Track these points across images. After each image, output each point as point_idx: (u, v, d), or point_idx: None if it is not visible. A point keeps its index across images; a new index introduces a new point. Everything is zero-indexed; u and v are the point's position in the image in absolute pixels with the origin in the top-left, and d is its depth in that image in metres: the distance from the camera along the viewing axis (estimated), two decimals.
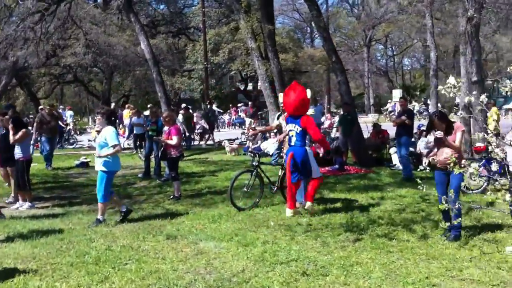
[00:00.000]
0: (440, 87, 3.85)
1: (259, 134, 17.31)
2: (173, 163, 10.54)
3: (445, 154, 6.85)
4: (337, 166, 13.84)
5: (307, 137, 8.78)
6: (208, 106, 25.22)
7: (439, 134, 6.81)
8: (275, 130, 14.94)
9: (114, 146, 8.20)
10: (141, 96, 49.87)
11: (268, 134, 17.99)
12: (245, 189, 9.28)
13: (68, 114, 34.17)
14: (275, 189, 9.64)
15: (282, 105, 10.01)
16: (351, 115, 14.71)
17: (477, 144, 11.07)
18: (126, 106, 27.01)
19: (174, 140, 10.30)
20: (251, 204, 9.27)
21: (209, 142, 22.24)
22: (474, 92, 12.06)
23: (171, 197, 10.48)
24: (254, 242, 6.84)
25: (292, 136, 8.69)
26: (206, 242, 6.93)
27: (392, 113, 39.82)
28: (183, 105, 25.55)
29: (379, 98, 55.23)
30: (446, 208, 6.84)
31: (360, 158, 14.56)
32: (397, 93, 46.27)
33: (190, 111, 23.45)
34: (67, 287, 5.52)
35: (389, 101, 47.38)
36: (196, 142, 23.53)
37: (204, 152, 19.67)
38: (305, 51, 52.39)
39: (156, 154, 12.95)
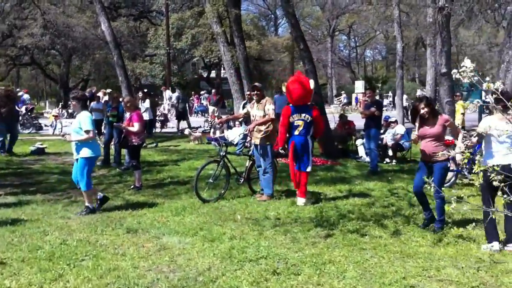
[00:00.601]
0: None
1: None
2: (134, 151, 10.04)
3: (430, 147, 6.61)
4: None
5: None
6: (176, 93, 24.27)
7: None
8: (240, 119, 14.58)
9: (87, 132, 7.79)
10: (100, 80, 48.53)
11: (232, 123, 17.59)
12: (210, 180, 8.89)
13: (26, 97, 32.93)
14: (241, 180, 9.28)
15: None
16: (319, 106, 14.41)
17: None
18: (101, 91, 26.06)
19: (135, 127, 9.81)
20: (216, 196, 8.89)
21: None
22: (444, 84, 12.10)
23: (132, 187, 9.98)
24: (221, 237, 6.46)
25: (299, 125, 8.63)
26: (169, 237, 6.52)
27: (345, 105, 40.03)
28: (145, 90, 24.90)
29: (341, 89, 55.37)
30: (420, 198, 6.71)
31: (327, 149, 14.31)
32: (359, 84, 46.46)
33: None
34: (17, 286, 5.02)
35: (342, 92, 47.60)
36: (158, 130, 22.98)
37: (166, 140, 19.12)
38: (269, 39, 52.03)
39: (116, 141, 12.39)
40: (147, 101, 17.52)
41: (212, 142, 17.44)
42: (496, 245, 5.96)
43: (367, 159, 13.37)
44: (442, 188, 6.75)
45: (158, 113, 24.03)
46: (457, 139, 6.89)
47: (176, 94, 22.30)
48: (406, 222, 7.24)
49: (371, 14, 48.40)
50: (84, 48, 40.51)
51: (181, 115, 21.97)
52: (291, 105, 8.78)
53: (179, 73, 46.51)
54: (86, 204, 8.07)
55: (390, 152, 13.35)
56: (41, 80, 60.33)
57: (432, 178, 6.57)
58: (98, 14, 18.44)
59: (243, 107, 14.24)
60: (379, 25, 51.38)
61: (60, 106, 34.81)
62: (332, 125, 15.87)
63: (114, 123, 11.30)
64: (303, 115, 8.64)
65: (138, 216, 7.73)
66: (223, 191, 8.99)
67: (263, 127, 8.81)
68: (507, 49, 12.94)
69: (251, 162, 9.32)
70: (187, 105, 21.93)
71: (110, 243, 6.33)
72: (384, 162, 13.16)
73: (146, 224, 7.19)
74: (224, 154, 8.94)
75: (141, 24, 48.17)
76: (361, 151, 14.03)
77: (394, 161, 13.23)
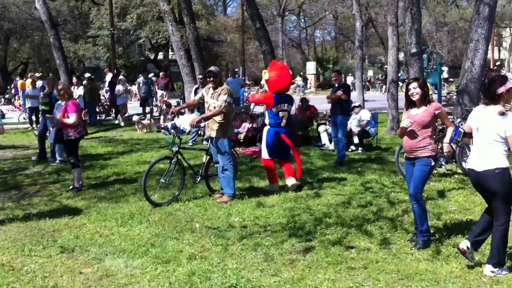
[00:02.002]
0: None
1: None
2: (72, 146, 8.66)
3: (412, 139, 5.52)
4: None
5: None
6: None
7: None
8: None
9: None
10: (41, 63, 45.89)
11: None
12: (162, 180, 7.67)
13: None
14: (198, 178, 8.07)
15: (264, 82, 8.47)
16: None
17: None
18: (29, 75, 24.03)
19: (71, 119, 8.43)
20: (170, 198, 7.70)
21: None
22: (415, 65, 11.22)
23: (70, 187, 8.64)
24: (177, 256, 5.28)
25: (283, 116, 8.30)
26: (113, 258, 5.28)
27: (299, 88, 39.10)
28: (87, 74, 23.16)
29: (292, 70, 54.48)
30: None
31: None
32: (311, 66, 45.81)
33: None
34: None
35: (298, 76, 46.71)
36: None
37: (111, 129, 17.64)
38: (218, 19, 50.49)
39: (51, 135, 10.97)
40: (81, 87, 15.96)
41: (162, 131, 16.13)
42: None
43: (331, 146, 12.42)
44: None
45: (102, 98, 22.35)
46: (448, 130, 5.83)
47: (141, 78, 20.56)
48: (393, 227, 6.25)
49: None
50: (21, 29, 38.07)
51: (145, 101, 20.30)
52: (274, 93, 8.20)
53: (125, 55, 44.53)
54: None
55: (356, 139, 12.41)
56: None
57: (412, 180, 5.58)
58: None
59: (195, 92, 12.99)
60: (329, 5, 51.00)
61: None
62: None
63: (47, 114, 9.81)
64: (286, 105, 8.30)
65: (76, 227, 6.46)
66: (177, 192, 7.79)
67: (218, 118, 7.63)
68: (475, 27, 12.18)
69: (208, 157, 8.14)
70: (151, 88, 20.18)
71: (40, 269, 5.07)
72: (350, 150, 12.21)
73: (85, 240, 5.93)
74: (177, 149, 7.72)
75: (83, 3, 45.60)
76: (324, 138, 13.04)
77: (360, 149, 12.30)
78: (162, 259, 5.20)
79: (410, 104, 5.64)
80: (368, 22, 50.07)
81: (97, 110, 20.67)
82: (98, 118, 19.46)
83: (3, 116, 21.42)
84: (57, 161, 11.09)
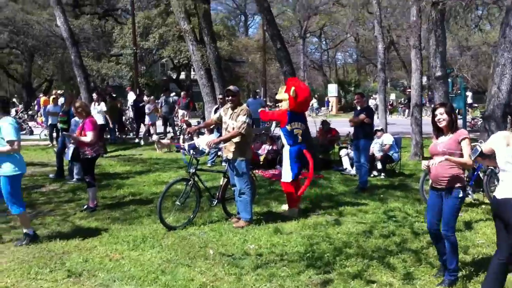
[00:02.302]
0: None
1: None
2: (88, 165, 8.51)
3: (439, 168, 5.16)
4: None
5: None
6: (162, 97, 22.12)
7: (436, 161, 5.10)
8: (212, 126, 13.12)
9: (10, 143, 6.25)
10: (64, 81, 46.38)
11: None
12: (177, 203, 7.43)
13: None
14: (215, 202, 7.82)
15: (285, 100, 8.28)
16: None
17: None
18: (53, 92, 24.05)
19: (88, 137, 8.29)
20: (184, 222, 7.46)
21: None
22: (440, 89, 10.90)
23: (85, 207, 8.47)
24: (188, 285, 5.03)
25: (298, 134, 8.24)
26: (120, 286, 5.05)
27: (318, 110, 38.84)
28: (109, 90, 23.19)
29: (314, 92, 54.32)
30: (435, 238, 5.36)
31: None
32: (332, 88, 45.58)
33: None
34: None
35: (315, 95, 46.42)
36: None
37: (130, 147, 17.53)
38: (239, 40, 50.66)
39: (68, 152, 10.84)
40: (102, 104, 15.82)
41: (181, 151, 15.95)
42: None
43: (353, 171, 12.10)
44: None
45: (124, 118, 22.35)
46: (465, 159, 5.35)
47: (162, 98, 20.57)
48: (416, 261, 5.91)
49: (343, 16, 47.85)
50: (45, 46, 38.50)
51: (166, 120, 20.29)
52: (288, 111, 8.13)
53: (147, 74, 44.81)
54: (25, 231, 6.59)
55: (379, 165, 12.07)
56: (4, 80, 57.58)
57: (443, 215, 5.25)
58: (53, 8, 16.75)
59: (215, 112, 12.80)
60: (350, 27, 50.91)
61: (20, 108, 32.81)
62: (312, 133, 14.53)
63: (64, 132, 9.67)
64: (299, 124, 8.25)
65: (86, 250, 6.24)
66: (192, 216, 7.56)
67: (236, 139, 7.41)
68: (501, 51, 11.80)
69: (225, 180, 7.90)
70: (173, 108, 20.22)
71: None
72: (372, 175, 11.87)
73: (93, 264, 5.70)
74: (194, 171, 7.50)
75: (106, 22, 46.16)
76: (345, 162, 12.73)
77: (382, 174, 11.96)
78: None
79: (438, 131, 5.32)
80: (390, 45, 49.89)
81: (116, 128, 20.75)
82: (124, 136, 19.43)
83: (31, 132, 21.59)
84: (74, 179, 10.96)
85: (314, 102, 41.15)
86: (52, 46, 37.78)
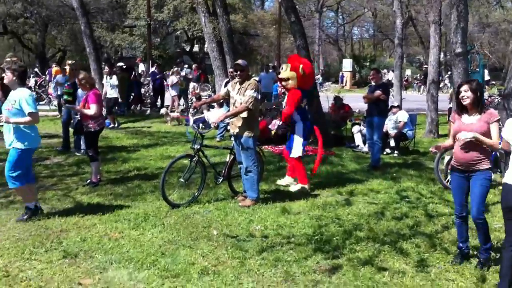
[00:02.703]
0: None
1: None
2: (91, 139, 8.24)
3: (467, 147, 4.85)
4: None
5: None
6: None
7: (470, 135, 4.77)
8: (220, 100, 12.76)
9: (30, 115, 6.05)
10: (78, 51, 46.08)
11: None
12: (181, 180, 7.15)
13: None
14: (220, 179, 7.54)
15: (292, 79, 7.88)
16: (312, 87, 12.69)
17: None
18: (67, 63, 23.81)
19: (92, 109, 8.01)
20: (189, 199, 7.20)
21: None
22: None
23: (87, 182, 8.23)
24: (188, 270, 4.75)
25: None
26: (117, 269, 4.78)
27: (322, 85, 38.00)
28: (120, 63, 22.86)
29: (328, 67, 53.60)
30: (462, 223, 5.06)
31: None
32: (347, 63, 44.92)
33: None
34: None
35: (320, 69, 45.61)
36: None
37: (140, 119, 17.27)
38: (255, 13, 49.90)
39: (73, 125, 10.63)
40: (114, 77, 15.52)
41: (190, 125, 15.66)
42: None
43: (365, 148, 11.75)
44: None
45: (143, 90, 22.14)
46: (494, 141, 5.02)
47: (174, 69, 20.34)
48: (431, 246, 5.59)
49: None
50: (59, 17, 38.18)
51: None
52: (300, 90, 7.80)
53: (161, 46, 44.38)
54: (26, 204, 6.37)
55: (392, 142, 11.69)
56: (19, 50, 57.45)
57: (471, 197, 4.95)
58: None
59: (225, 85, 12.46)
60: (368, 2, 49.90)
61: (42, 78, 32.62)
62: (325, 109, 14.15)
63: (67, 104, 9.38)
64: (305, 100, 7.93)
65: (84, 228, 6.00)
66: (197, 193, 7.28)
67: (243, 114, 7.08)
68: None
69: (232, 156, 7.59)
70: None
71: (36, 277, 4.61)
72: (385, 153, 11.51)
73: (91, 243, 5.45)
74: (199, 147, 7.20)
75: None
76: (358, 139, 12.35)
77: (396, 152, 11.58)
78: (170, 273, 4.68)
79: (462, 109, 4.97)
80: (408, 20, 48.87)
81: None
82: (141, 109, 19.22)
83: (50, 102, 21.22)
84: (82, 151, 10.73)
85: (318, 78, 40.46)
86: (66, 17, 37.42)
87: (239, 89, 7.15)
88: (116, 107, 16.99)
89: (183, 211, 6.73)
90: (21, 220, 6.19)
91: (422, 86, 35.21)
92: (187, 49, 48.32)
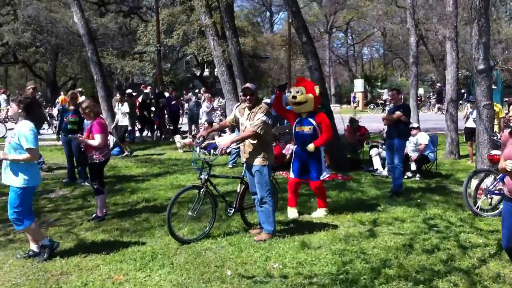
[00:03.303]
0: None
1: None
2: (96, 171, 7.78)
3: None
4: None
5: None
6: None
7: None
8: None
9: (29, 151, 5.64)
10: (89, 79, 46.12)
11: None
12: (190, 213, 6.64)
13: (1, 98, 30.66)
14: (232, 211, 7.01)
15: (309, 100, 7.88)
16: (326, 108, 12.20)
17: (493, 152, 8.74)
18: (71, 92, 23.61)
19: (96, 140, 7.57)
20: (200, 233, 6.68)
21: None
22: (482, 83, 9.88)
23: (93, 216, 7.76)
24: None
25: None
26: None
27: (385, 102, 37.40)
28: (129, 90, 22.58)
29: (340, 88, 53.21)
30: None
31: (335, 160, 12.08)
32: (358, 83, 44.52)
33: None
34: None
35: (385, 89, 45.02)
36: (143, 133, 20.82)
37: (150, 147, 16.85)
38: (264, 36, 49.81)
39: (77, 157, 10.23)
40: (126, 104, 15.17)
41: (201, 150, 15.21)
42: None
43: (384, 172, 11.19)
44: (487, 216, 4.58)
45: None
46: None
47: (189, 95, 20.26)
48: (470, 284, 5.02)
49: (371, 10, 46.60)
50: (68, 45, 38.23)
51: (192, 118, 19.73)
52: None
53: (171, 72, 44.34)
54: (41, 242, 5.93)
55: (413, 166, 11.13)
56: (31, 78, 57.78)
57: None
58: (70, 4, 16.14)
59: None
60: (377, 22, 49.60)
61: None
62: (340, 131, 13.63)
63: (70, 135, 8.91)
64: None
65: (87, 270, 5.49)
66: (208, 227, 6.77)
67: (254, 141, 6.58)
68: None
69: (243, 186, 7.07)
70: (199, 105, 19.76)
71: None
72: (406, 177, 10.94)
73: None
74: (206, 177, 6.69)
75: (131, 20, 45.75)
76: (376, 163, 11.81)
77: (417, 175, 11.01)
78: None
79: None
80: (419, 39, 48.52)
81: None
82: (137, 135, 18.82)
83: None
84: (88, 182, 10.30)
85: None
86: (75, 44, 37.43)
87: (248, 114, 6.66)
88: (127, 134, 16.59)
89: (194, 247, 6.22)
90: (42, 260, 5.73)
91: (437, 105, 34.62)
92: (197, 74, 48.25)
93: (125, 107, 15.12)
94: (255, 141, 6.55)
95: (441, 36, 32.54)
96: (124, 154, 14.60)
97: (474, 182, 8.28)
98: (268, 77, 48.00)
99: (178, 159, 13.94)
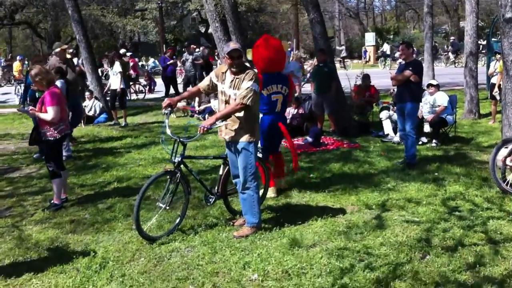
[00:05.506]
0: None
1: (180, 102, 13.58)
2: (50, 150, 6.56)
3: None
4: (310, 139, 10.03)
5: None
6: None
7: None
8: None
9: None
10: (89, 39, 44.67)
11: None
12: (160, 204, 5.39)
13: None
14: (212, 199, 5.76)
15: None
16: (328, 67, 10.82)
17: None
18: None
19: (49, 114, 6.32)
20: (171, 228, 5.48)
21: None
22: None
23: (50, 203, 6.57)
24: None
25: (277, 100, 6.56)
26: None
27: (344, 59, 35.38)
28: (123, 50, 21.22)
29: (350, 42, 51.17)
30: None
31: (341, 125, 10.77)
32: (369, 37, 42.58)
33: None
34: None
35: (342, 44, 42.92)
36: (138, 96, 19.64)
37: (142, 112, 15.58)
38: None
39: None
40: (117, 64, 13.57)
41: (195, 115, 13.96)
42: None
43: (396, 138, 9.86)
44: None
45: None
46: None
47: (185, 55, 18.67)
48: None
49: None
50: (65, 4, 36.67)
51: (188, 80, 18.30)
52: (263, 74, 6.44)
53: (177, 29, 42.76)
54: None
55: (428, 128, 9.80)
56: (36, 40, 56.29)
57: None
58: None
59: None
60: None
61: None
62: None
63: (19, 108, 7.60)
64: (279, 86, 6.52)
65: (20, 283, 4.32)
66: (178, 221, 5.54)
67: (240, 114, 5.28)
68: None
69: (226, 168, 5.81)
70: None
71: None
72: (420, 142, 9.63)
73: None
74: (180, 159, 5.42)
75: None
76: (387, 127, 10.46)
77: (434, 141, 9.67)
78: None
79: None
80: None
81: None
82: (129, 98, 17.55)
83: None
84: (63, 157, 9.11)
85: (343, 50, 37.54)
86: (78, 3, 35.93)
87: (232, 81, 5.31)
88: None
89: (159, 248, 5.01)
90: None
91: (451, 56, 32.74)
92: (202, 31, 46.50)
93: (117, 67, 13.48)
94: (241, 114, 5.25)
95: None
96: (112, 122, 13.32)
97: (504, 151, 6.94)
98: (276, 33, 46.15)
99: (169, 126, 12.63)
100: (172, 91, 18.11)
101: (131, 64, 20.81)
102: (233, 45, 5.35)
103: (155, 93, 21.14)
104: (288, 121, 10.97)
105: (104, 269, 4.54)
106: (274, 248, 4.89)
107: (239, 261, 4.61)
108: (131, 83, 19.92)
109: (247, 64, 5.79)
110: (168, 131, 5.46)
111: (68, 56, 11.44)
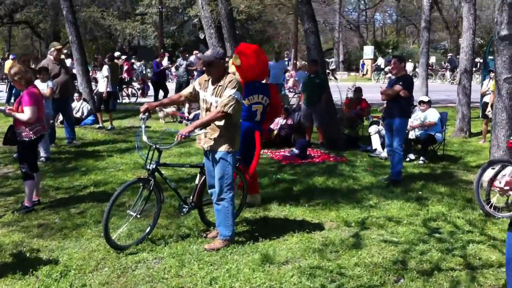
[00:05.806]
0: None
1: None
2: (25, 151, 6.39)
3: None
4: (296, 150, 9.88)
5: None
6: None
7: None
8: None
9: None
10: (87, 40, 44.57)
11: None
12: (131, 213, 5.21)
13: None
14: (186, 209, 5.56)
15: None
16: (320, 78, 10.67)
17: None
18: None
19: (26, 114, 6.16)
20: (140, 237, 5.30)
21: None
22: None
23: (21, 205, 6.39)
24: None
25: (257, 110, 6.38)
26: None
27: (332, 71, 35.21)
28: (117, 53, 21.02)
29: (349, 54, 51.18)
30: None
31: (329, 138, 10.62)
32: (368, 50, 42.60)
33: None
34: None
35: (332, 57, 42.82)
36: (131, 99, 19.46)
37: (130, 115, 15.39)
38: None
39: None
40: (105, 68, 13.43)
41: (184, 121, 13.81)
42: None
43: (384, 153, 9.70)
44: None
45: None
46: None
47: (179, 60, 18.49)
48: None
49: None
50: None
51: (180, 86, 18.05)
52: (245, 83, 5.95)
53: (176, 34, 42.71)
54: None
55: (413, 135, 9.68)
56: (35, 39, 56.17)
57: None
58: None
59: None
60: None
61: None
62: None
63: None
64: (260, 96, 6.36)
65: None
66: (148, 230, 5.37)
67: (220, 122, 5.12)
68: None
69: (203, 177, 5.64)
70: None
71: None
72: (408, 159, 9.49)
73: None
74: (154, 166, 5.25)
75: None
76: (375, 142, 10.33)
77: (421, 158, 9.53)
78: None
79: None
80: (432, 4, 46.20)
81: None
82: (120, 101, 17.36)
83: None
84: (42, 158, 8.96)
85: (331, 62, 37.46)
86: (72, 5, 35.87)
87: (214, 88, 5.16)
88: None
89: (124, 259, 4.82)
90: None
91: (449, 74, 32.69)
92: (202, 37, 46.45)
93: (104, 70, 13.37)
94: (221, 123, 5.09)
95: (456, 1, 30.69)
96: (97, 126, 13.10)
97: (488, 174, 6.80)
98: (275, 42, 46.14)
99: (155, 132, 12.45)
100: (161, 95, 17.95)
101: (125, 67, 20.65)
102: (208, 52, 5.25)
103: (147, 97, 20.94)
104: (276, 131, 10.92)
105: (64, 278, 4.36)
106: (244, 263, 4.72)
107: (206, 276, 4.44)
108: (124, 86, 19.82)
109: (230, 71, 5.66)
110: (144, 137, 5.26)
111: (62, 56, 11.34)
